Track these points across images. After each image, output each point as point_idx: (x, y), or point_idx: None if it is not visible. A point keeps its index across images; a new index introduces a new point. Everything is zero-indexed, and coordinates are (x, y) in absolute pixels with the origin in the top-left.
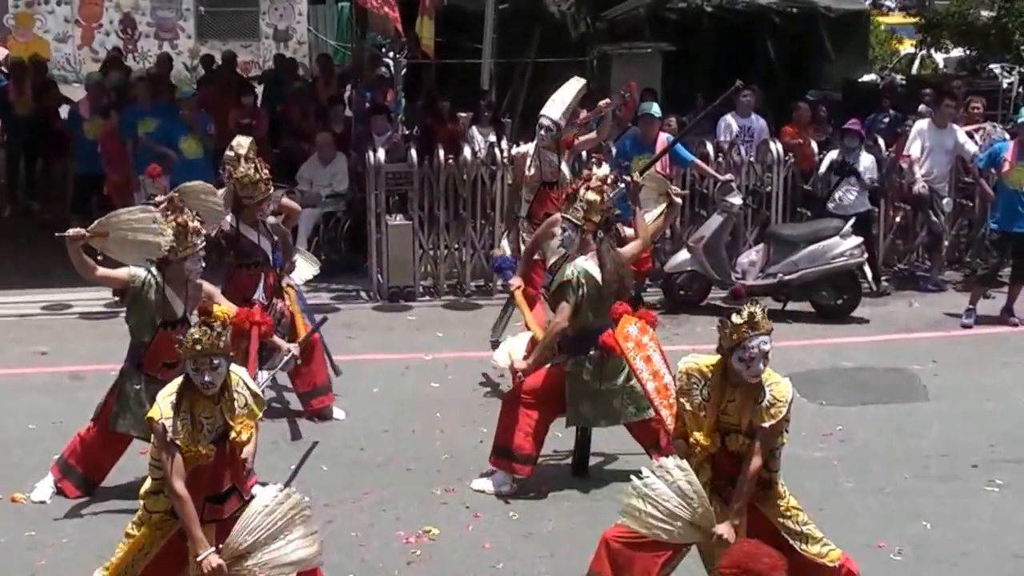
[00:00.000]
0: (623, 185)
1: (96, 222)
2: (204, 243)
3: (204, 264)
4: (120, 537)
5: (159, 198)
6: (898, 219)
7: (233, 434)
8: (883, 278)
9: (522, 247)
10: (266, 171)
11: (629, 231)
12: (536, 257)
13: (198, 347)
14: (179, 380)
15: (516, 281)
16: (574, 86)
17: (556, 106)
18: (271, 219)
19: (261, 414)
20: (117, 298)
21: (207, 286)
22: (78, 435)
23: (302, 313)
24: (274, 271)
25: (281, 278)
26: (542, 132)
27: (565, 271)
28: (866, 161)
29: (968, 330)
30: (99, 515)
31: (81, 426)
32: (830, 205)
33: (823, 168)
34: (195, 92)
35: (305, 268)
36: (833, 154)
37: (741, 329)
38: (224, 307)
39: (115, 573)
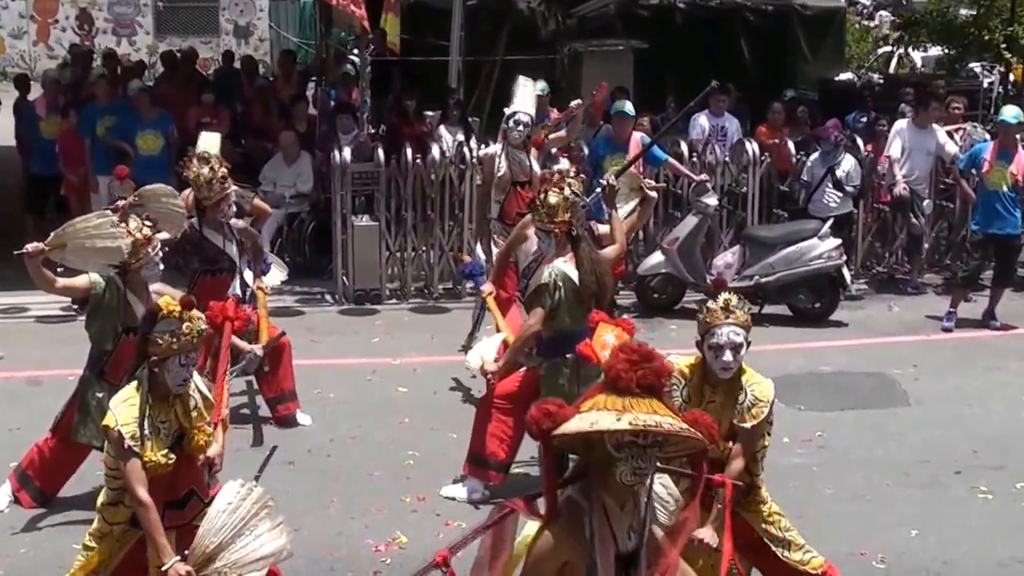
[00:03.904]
0: (599, 189)
1: (53, 234)
2: (158, 250)
3: (163, 267)
4: (78, 548)
5: (121, 202)
6: (868, 220)
7: (188, 434)
8: (861, 281)
9: (493, 249)
10: (223, 170)
11: (603, 228)
12: (510, 259)
13: (197, 337)
14: (133, 386)
15: (488, 287)
16: (529, 84)
17: (527, 103)
18: (240, 222)
19: (213, 415)
20: (76, 307)
21: (161, 286)
22: (36, 445)
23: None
24: (241, 275)
25: (252, 282)
26: (520, 128)
27: (542, 274)
28: (847, 165)
29: (949, 334)
30: (57, 526)
31: (39, 433)
32: (810, 206)
33: (804, 175)
34: (145, 87)
35: (274, 273)
36: (815, 156)
37: (714, 314)
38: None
39: None
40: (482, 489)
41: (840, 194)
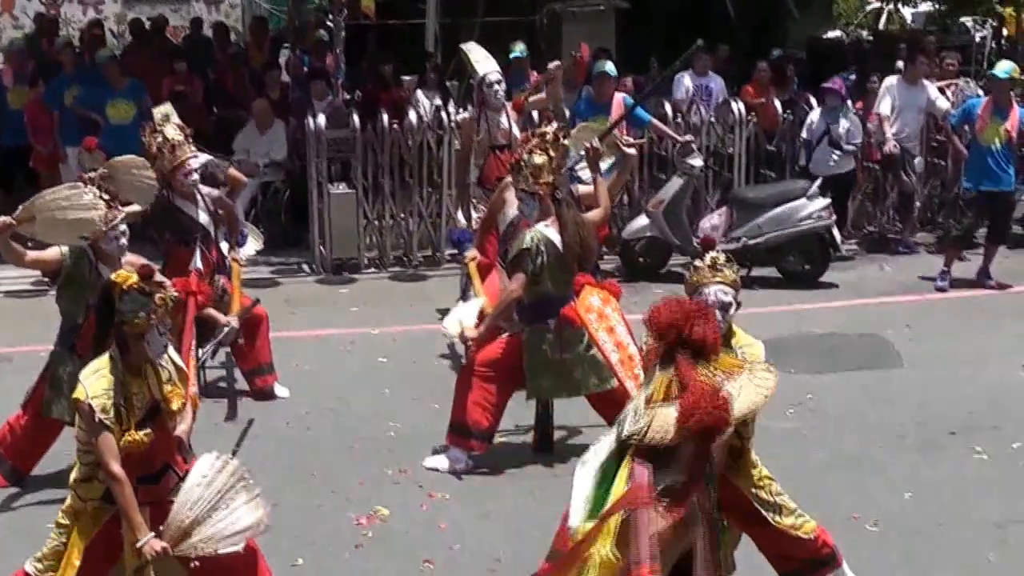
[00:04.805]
0: (582, 152)
1: (21, 207)
2: (116, 223)
3: (125, 241)
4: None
5: (91, 174)
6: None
7: (163, 405)
8: (852, 241)
9: (473, 213)
10: (176, 137)
11: (583, 189)
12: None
13: (170, 305)
14: (104, 358)
15: (472, 253)
16: (474, 46)
17: (490, 62)
18: (214, 192)
19: (186, 388)
20: (48, 279)
21: (135, 258)
22: (7, 423)
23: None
24: (217, 246)
25: (227, 253)
26: (495, 87)
27: (524, 238)
28: (846, 122)
29: (942, 293)
30: (30, 505)
31: (9, 412)
32: (809, 166)
33: (804, 133)
34: (114, 55)
35: (250, 243)
36: (816, 114)
37: (701, 272)
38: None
39: (59, 568)
40: (465, 459)
41: (839, 152)
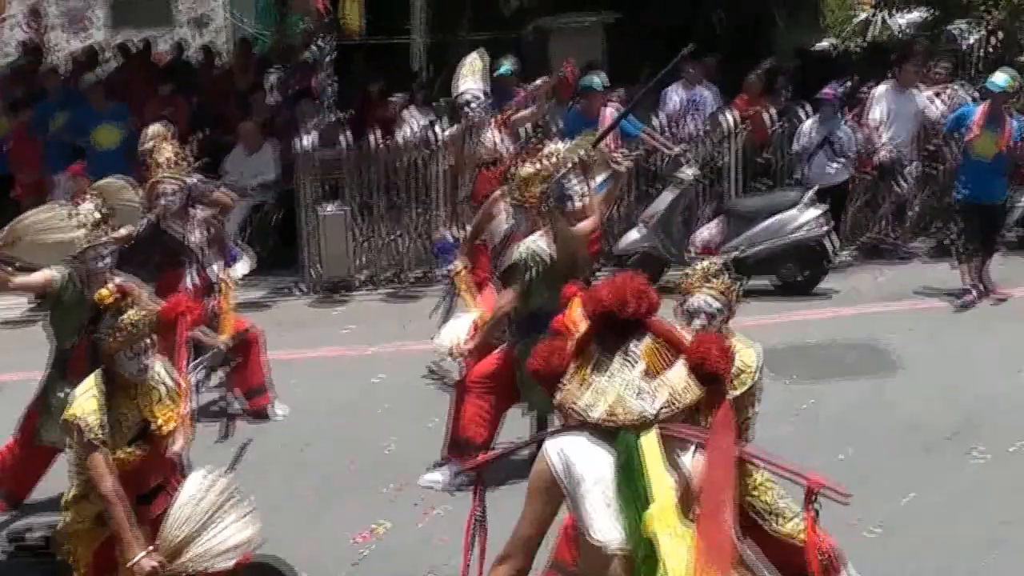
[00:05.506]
0: (571, 164)
1: (4, 231)
2: (97, 243)
3: (107, 261)
4: None
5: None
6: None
7: (154, 426)
8: (848, 249)
9: (462, 231)
10: (159, 159)
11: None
12: (482, 239)
13: (137, 328)
14: (93, 378)
15: (458, 265)
16: (471, 61)
17: (473, 80)
18: (202, 213)
19: (184, 407)
20: (38, 301)
21: (127, 280)
22: (1, 449)
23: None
24: (207, 268)
25: (218, 274)
26: (471, 106)
27: (515, 253)
28: (843, 132)
29: (954, 303)
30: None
31: (4, 438)
32: (807, 175)
33: (802, 142)
34: (99, 79)
35: (241, 264)
36: (811, 122)
37: (692, 280)
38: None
39: None
40: (462, 474)
41: (840, 161)
